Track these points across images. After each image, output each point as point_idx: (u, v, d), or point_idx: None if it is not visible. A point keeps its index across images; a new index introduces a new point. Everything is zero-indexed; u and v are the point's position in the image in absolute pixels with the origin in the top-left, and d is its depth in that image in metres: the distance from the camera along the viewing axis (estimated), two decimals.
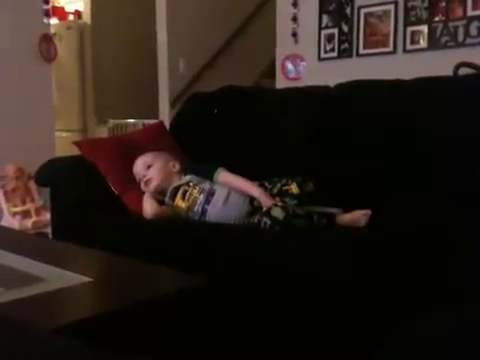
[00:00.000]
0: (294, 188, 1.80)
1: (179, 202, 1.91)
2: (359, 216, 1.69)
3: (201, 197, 1.86)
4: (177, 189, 1.94)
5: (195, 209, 1.86)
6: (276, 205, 1.68)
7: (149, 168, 2.04)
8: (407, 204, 1.60)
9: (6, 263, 1.28)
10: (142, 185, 2.03)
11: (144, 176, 2.03)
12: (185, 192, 1.91)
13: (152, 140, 2.30)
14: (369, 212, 1.67)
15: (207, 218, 1.84)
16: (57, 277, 1.15)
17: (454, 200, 1.51)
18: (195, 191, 1.88)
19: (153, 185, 2.00)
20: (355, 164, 1.91)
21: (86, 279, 1.13)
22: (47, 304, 1.03)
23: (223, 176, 1.91)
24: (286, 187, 1.81)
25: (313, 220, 1.69)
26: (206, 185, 1.90)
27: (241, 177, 1.90)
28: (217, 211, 1.83)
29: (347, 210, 1.74)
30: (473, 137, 1.71)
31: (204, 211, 1.84)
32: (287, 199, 1.78)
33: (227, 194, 1.85)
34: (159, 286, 1.14)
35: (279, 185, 1.83)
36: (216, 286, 1.23)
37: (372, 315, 1.31)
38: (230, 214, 1.82)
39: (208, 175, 1.93)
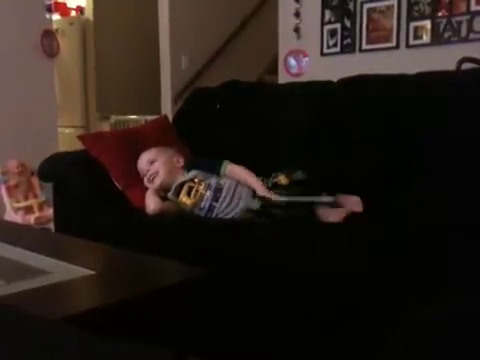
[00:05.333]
0: (283, 179, 1.81)
1: (183, 198, 1.91)
2: (340, 215, 1.68)
3: (208, 193, 1.85)
4: (181, 185, 1.94)
5: (202, 205, 1.86)
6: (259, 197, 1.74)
7: (153, 164, 2.04)
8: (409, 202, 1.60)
9: (9, 256, 1.29)
10: (145, 181, 2.03)
11: (148, 171, 2.03)
12: (190, 188, 1.90)
13: (156, 134, 2.29)
14: (349, 210, 1.67)
15: (214, 214, 1.83)
16: (60, 270, 1.16)
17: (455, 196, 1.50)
18: (201, 187, 1.88)
19: (158, 182, 2.00)
20: (358, 158, 1.91)
21: (89, 272, 1.14)
22: (50, 296, 1.03)
23: (230, 168, 1.93)
24: (275, 180, 1.83)
25: (292, 211, 1.71)
26: (212, 181, 1.89)
27: (245, 168, 1.92)
28: (225, 207, 1.83)
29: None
30: (476, 132, 1.70)
31: (211, 208, 1.84)
32: (279, 191, 1.79)
33: (234, 189, 1.86)
34: (162, 278, 1.14)
35: (271, 179, 1.84)
36: (218, 279, 1.23)
37: (371, 312, 1.31)
38: (236, 209, 1.82)
39: (214, 169, 1.93)
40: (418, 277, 1.24)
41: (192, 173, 1.96)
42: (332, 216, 1.69)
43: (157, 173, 2.01)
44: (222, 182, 1.89)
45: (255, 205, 1.74)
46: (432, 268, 1.23)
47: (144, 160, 2.06)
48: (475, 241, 1.21)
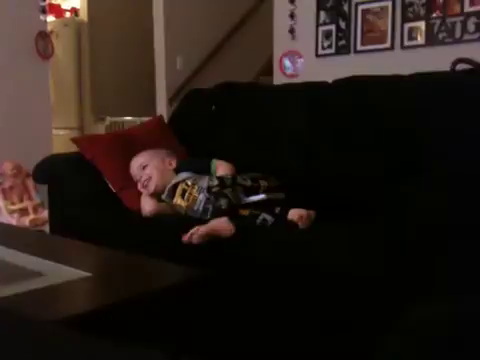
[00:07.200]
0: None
1: (178, 200, 1.91)
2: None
3: (201, 197, 1.85)
4: (175, 187, 1.94)
5: (195, 208, 1.85)
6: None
7: (145, 169, 2.03)
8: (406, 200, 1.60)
9: (5, 258, 1.28)
10: (139, 186, 2.02)
11: (141, 177, 2.02)
12: (184, 191, 1.90)
13: (151, 135, 2.29)
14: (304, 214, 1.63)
15: (208, 216, 1.83)
16: (56, 272, 1.15)
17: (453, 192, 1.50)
18: (194, 190, 1.87)
19: (152, 188, 1.99)
20: (354, 159, 1.90)
21: (85, 274, 1.13)
22: (46, 299, 1.03)
23: (220, 167, 1.95)
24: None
25: (257, 220, 1.69)
26: (204, 183, 1.88)
27: (228, 164, 1.96)
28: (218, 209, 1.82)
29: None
30: (470, 132, 1.71)
31: (205, 210, 1.83)
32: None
33: None
34: (158, 279, 1.14)
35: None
36: (215, 280, 1.23)
37: (370, 312, 1.31)
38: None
39: (205, 170, 1.94)
40: (418, 277, 1.25)
41: (182, 175, 1.96)
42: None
43: (150, 178, 2.01)
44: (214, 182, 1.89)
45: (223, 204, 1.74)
46: (432, 268, 1.23)
47: (136, 165, 2.06)
48: (475, 241, 1.21)
